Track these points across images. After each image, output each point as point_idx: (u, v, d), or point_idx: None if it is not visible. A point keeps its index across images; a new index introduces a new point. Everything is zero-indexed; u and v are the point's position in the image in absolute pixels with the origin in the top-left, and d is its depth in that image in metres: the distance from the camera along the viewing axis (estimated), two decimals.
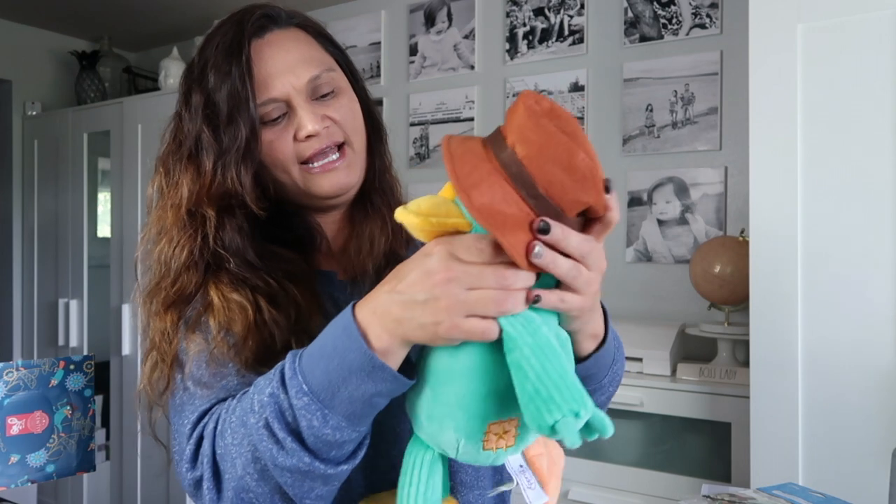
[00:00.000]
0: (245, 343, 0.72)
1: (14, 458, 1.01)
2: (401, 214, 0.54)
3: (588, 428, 0.51)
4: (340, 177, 0.82)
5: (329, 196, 0.83)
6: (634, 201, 2.19)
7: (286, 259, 0.80)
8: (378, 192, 0.89)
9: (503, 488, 0.76)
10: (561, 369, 0.50)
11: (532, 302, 0.54)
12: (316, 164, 0.81)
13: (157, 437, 0.82)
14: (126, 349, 2.86)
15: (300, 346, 0.66)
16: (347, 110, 0.82)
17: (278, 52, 0.80)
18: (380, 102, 2.65)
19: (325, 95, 0.81)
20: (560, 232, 0.52)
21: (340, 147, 0.81)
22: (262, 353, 0.73)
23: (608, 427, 0.51)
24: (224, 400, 0.70)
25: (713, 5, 2.09)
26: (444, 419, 0.56)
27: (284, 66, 0.80)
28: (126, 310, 2.84)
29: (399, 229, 0.86)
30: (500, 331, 0.53)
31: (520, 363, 0.51)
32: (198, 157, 0.80)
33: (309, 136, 0.79)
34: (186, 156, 0.80)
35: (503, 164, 0.52)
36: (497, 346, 0.54)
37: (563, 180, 0.51)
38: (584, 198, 0.52)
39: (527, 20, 2.41)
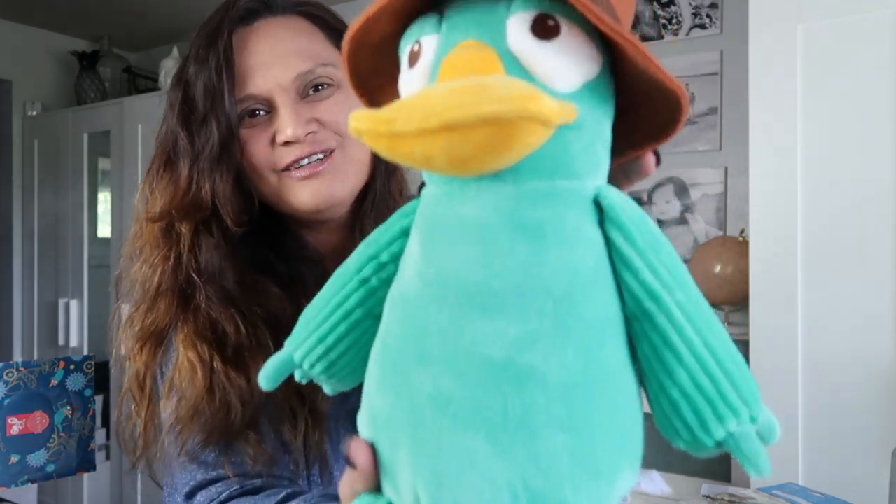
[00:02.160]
0: (194, 415, 0.62)
1: (14, 458, 1.01)
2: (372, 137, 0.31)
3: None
4: (324, 185, 0.68)
5: (309, 210, 0.69)
6: (634, 201, 2.19)
7: (269, 296, 0.68)
8: (376, 212, 0.73)
9: None
10: (729, 345, 0.33)
11: None
12: (296, 169, 0.68)
13: (154, 479, 0.74)
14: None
15: (265, 423, 0.60)
16: (344, 109, 0.69)
17: (265, 42, 0.68)
18: None
19: (318, 92, 0.69)
20: None
21: (331, 153, 0.69)
22: (217, 429, 0.63)
23: (776, 431, 0.34)
24: (214, 482, 0.64)
25: (713, 5, 2.09)
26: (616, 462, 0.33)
27: (270, 58, 0.67)
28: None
29: None
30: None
31: (666, 337, 0.32)
32: (175, 162, 0.69)
33: (288, 143, 0.67)
34: (164, 161, 0.70)
35: None
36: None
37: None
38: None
39: None
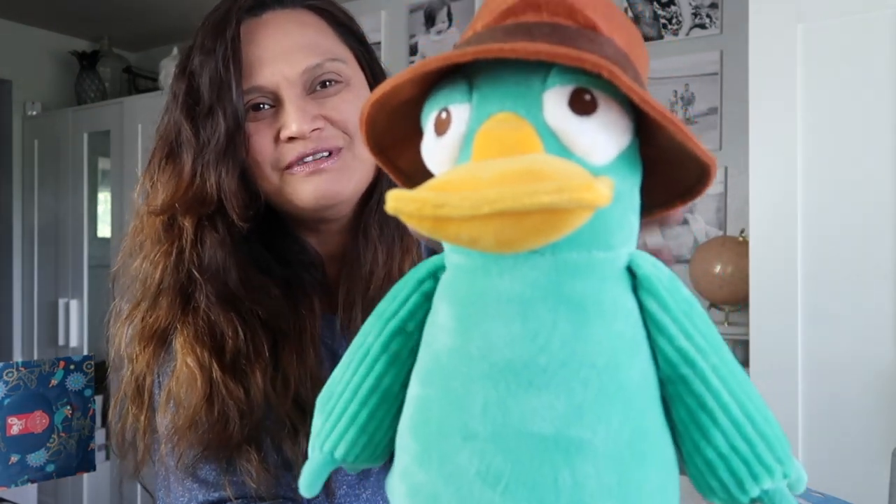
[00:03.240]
0: (191, 426, 0.60)
1: (14, 458, 1.01)
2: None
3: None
4: (328, 182, 0.65)
5: (310, 207, 0.66)
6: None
7: (269, 298, 0.65)
8: (381, 215, 0.69)
9: None
10: (762, 405, 0.34)
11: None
12: (299, 165, 0.66)
13: (146, 488, 0.72)
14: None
15: (265, 436, 0.58)
16: (353, 107, 0.66)
17: (274, 35, 0.66)
18: None
19: (325, 88, 0.67)
20: None
21: (338, 151, 0.67)
22: (214, 442, 0.61)
23: (804, 481, 0.35)
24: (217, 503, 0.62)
25: (713, 5, 2.09)
26: None
27: (279, 51, 0.65)
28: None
29: (414, 262, 0.68)
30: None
31: (702, 401, 0.33)
32: (178, 155, 0.67)
33: (292, 138, 0.65)
34: (166, 153, 0.68)
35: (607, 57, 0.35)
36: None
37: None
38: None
39: None
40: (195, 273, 0.64)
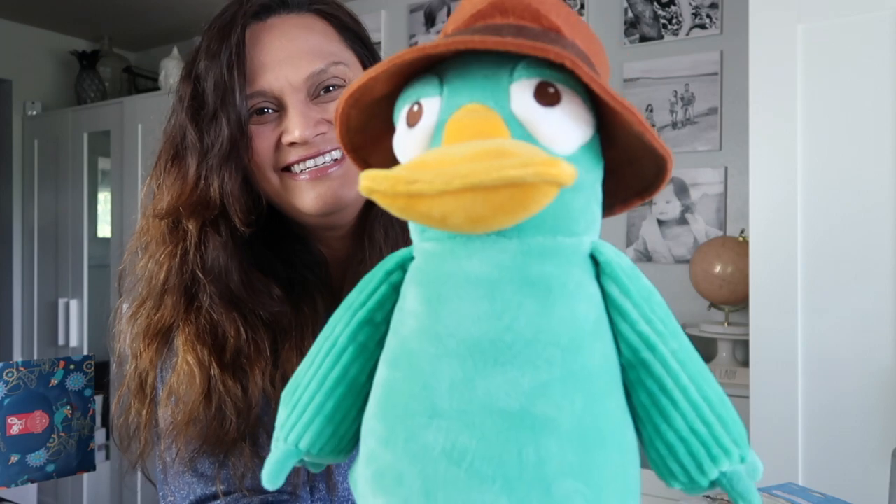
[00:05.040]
0: (190, 421, 0.61)
1: (14, 458, 1.01)
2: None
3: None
4: (331, 187, 0.65)
5: (315, 213, 0.66)
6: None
7: (272, 299, 0.66)
8: (386, 219, 0.70)
9: None
10: (719, 389, 0.35)
11: None
12: (301, 169, 0.66)
13: (148, 477, 0.73)
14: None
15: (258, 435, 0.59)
16: None
17: (279, 40, 0.66)
18: None
19: (329, 92, 0.67)
20: None
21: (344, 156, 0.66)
22: (212, 438, 0.62)
23: (760, 470, 0.36)
24: (214, 498, 0.63)
25: (713, 5, 2.09)
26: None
27: (283, 56, 0.66)
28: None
29: None
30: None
31: (662, 384, 0.34)
32: (183, 158, 0.68)
33: (294, 144, 0.65)
34: (172, 156, 0.69)
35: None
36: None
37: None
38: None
39: None
40: (199, 274, 0.65)
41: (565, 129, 0.34)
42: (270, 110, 0.67)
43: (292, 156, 0.66)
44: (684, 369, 0.34)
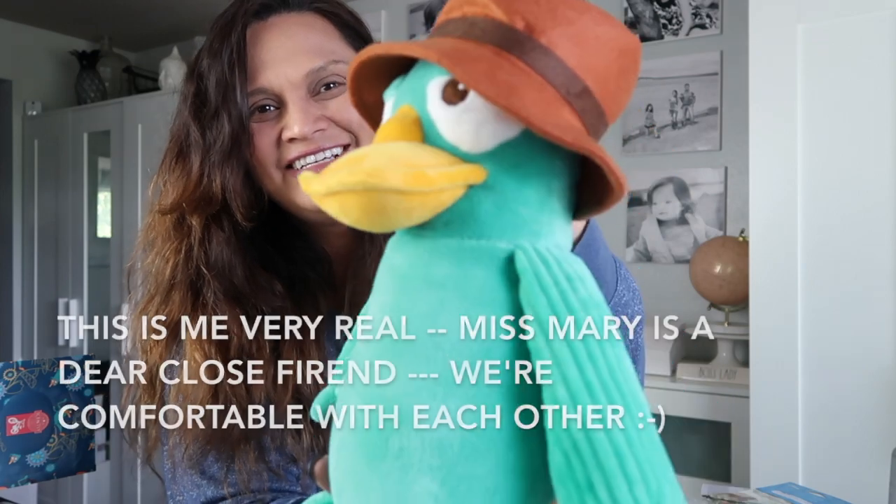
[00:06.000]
0: (197, 419, 0.61)
1: (14, 458, 1.01)
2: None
3: None
4: None
5: (314, 209, 0.63)
6: (634, 201, 2.19)
7: (274, 295, 0.67)
8: None
9: None
10: (637, 392, 0.31)
11: None
12: (302, 165, 0.67)
13: (155, 470, 0.75)
14: (126, 349, 2.86)
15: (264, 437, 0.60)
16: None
17: (279, 38, 0.68)
18: None
19: (329, 90, 0.68)
20: None
21: (345, 148, 0.68)
22: (217, 436, 0.62)
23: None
24: (222, 500, 0.64)
25: (713, 5, 2.09)
26: None
27: (283, 54, 0.67)
28: (126, 310, 2.84)
29: None
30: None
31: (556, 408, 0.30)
32: (187, 155, 0.69)
33: (294, 139, 0.67)
34: (177, 154, 0.70)
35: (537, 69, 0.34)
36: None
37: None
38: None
39: None
40: (203, 269, 0.66)
41: (470, 129, 0.33)
42: (271, 108, 0.68)
43: (293, 152, 0.67)
44: (589, 391, 0.30)
